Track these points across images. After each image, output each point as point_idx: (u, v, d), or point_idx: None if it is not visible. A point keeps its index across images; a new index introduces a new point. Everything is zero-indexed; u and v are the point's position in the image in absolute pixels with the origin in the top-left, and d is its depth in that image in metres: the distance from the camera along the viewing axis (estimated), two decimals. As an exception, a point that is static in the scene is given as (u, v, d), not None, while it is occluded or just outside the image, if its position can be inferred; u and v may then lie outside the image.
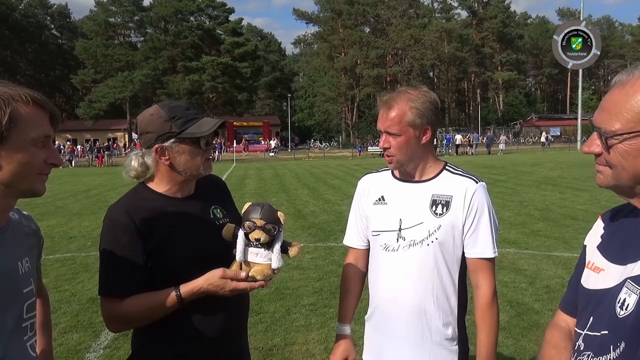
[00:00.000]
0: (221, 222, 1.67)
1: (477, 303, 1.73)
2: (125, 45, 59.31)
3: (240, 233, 1.52)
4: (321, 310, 4.68)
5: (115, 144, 50.81)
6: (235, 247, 1.53)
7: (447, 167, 1.79)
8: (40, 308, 1.51)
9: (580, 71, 42.19)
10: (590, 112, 61.09)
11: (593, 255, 1.15)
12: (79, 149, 42.38)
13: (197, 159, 1.60)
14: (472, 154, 38.77)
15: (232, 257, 1.55)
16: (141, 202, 1.61)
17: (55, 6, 67.15)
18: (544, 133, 46.24)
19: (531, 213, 9.61)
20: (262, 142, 50.45)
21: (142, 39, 61.23)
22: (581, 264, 1.19)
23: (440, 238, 1.69)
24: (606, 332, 1.02)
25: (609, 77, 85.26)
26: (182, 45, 55.87)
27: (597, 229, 1.20)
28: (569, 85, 75.91)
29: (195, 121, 1.59)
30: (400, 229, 1.73)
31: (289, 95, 65.72)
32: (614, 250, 1.10)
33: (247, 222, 1.50)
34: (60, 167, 31.79)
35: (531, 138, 54.24)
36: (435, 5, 74.11)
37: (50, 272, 6.14)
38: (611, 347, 1.00)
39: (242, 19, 62.25)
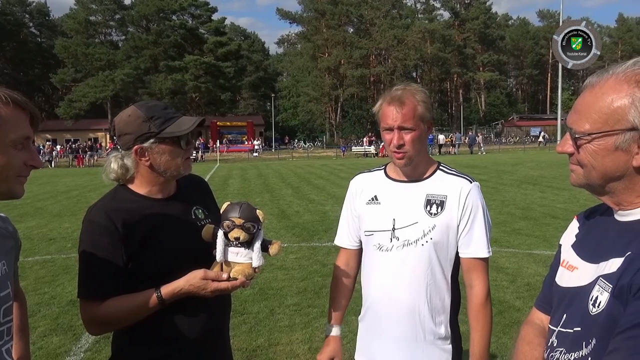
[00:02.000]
0: (203, 222, 1.65)
1: (470, 303, 1.73)
2: (106, 44, 58.57)
3: (220, 233, 1.51)
4: (305, 310, 4.68)
5: (99, 144, 50.10)
6: (215, 248, 1.51)
7: (441, 167, 1.79)
8: (17, 312, 1.48)
9: (560, 72, 42.82)
10: (570, 113, 62.13)
11: (567, 254, 1.17)
12: (59, 149, 41.70)
13: (178, 158, 1.58)
14: (454, 153, 39.12)
15: (214, 258, 1.53)
16: (121, 204, 1.59)
17: (34, 4, 65.92)
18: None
19: (512, 212, 9.74)
20: (246, 142, 50.21)
21: (124, 37, 60.52)
22: (556, 263, 1.21)
23: (434, 238, 1.69)
24: (579, 328, 1.03)
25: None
26: (164, 44, 55.31)
27: (572, 228, 1.23)
28: (549, 86, 77.11)
29: (174, 120, 1.57)
30: (394, 229, 1.72)
31: (273, 95, 65.52)
32: (587, 249, 1.12)
33: (226, 222, 1.49)
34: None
35: (512, 138, 54.91)
36: (418, 6, 74.65)
37: (29, 275, 6.03)
38: (583, 343, 1.01)
39: (225, 18, 61.95)
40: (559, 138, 40.45)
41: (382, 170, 1.85)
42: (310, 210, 10.73)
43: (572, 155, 1.07)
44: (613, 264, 1.00)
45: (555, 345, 1.10)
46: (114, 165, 1.62)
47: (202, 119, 1.64)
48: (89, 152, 37.98)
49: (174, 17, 58.04)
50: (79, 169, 32.45)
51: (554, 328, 1.12)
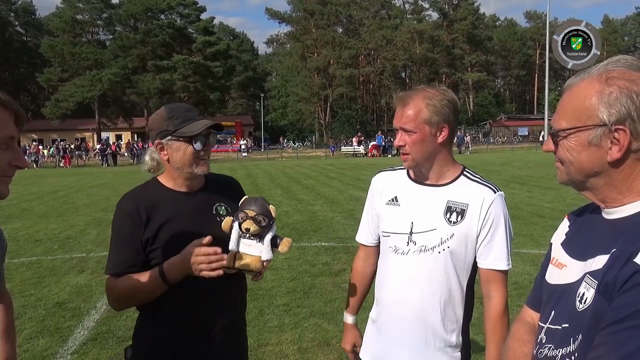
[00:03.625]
0: (222, 218, 1.73)
1: (488, 314, 1.70)
2: (94, 43, 57.97)
3: (235, 224, 1.61)
4: (294, 310, 4.68)
5: (88, 144, 49.58)
6: (230, 239, 1.61)
7: (465, 172, 1.74)
8: (3, 314, 1.48)
9: (547, 73, 43.32)
10: (556, 113, 62.77)
11: (557, 252, 1.20)
12: (50, 150, 41.20)
13: (190, 157, 1.70)
14: (443, 153, 39.32)
15: (228, 252, 1.62)
16: (147, 193, 1.77)
17: (19, 2, 65.11)
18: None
19: (500, 211, 9.81)
20: (235, 142, 50.02)
21: (111, 37, 59.94)
22: (546, 261, 1.23)
23: (452, 247, 1.65)
24: (567, 325, 1.06)
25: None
26: (152, 43, 54.90)
27: (563, 227, 1.25)
28: (536, 86, 77.85)
29: (191, 122, 1.70)
30: (411, 233, 1.69)
31: (262, 95, 65.36)
32: (576, 247, 1.14)
33: (241, 213, 1.60)
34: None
35: (500, 138, 55.33)
36: (407, 6, 74.92)
37: (15, 277, 5.96)
38: (571, 339, 1.03)
39: (213, 17, 61.66)
40: (545, 137, 40.77)
41: (405, 170, 1.81)
42: (299, 210, 10.72)
43: (555, 154, 1.12)
44: (599, 261, 1.02)
45: (544, 341, 1.12)
46: (147, 158, 1.80)
47: (216, 123, 1.74)
48: (76, 152, 37.55)
49: (162, 17, 57.62)
50: (66, 169, 32.09)
51: (543, 325, 1.14)
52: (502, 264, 1.68)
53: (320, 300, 4.93)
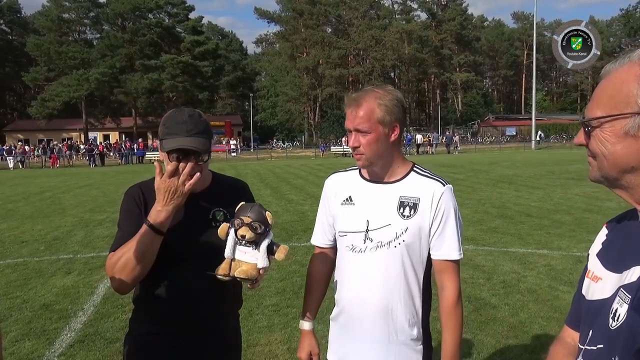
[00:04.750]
0: (218, 224, 1.71)
1: (442, 303, 1.74)
2: (81, 43, 57.45)
3: (231, 231, 1.59)
4: (284, 310, 4.67)
5: (75, 142, 49.04)
6: (226, 246, 1.60)
7: (415, 169, 1.79)
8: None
9: (534, 73, 43.70)
10: (543, 113, 63.54)
11: (593, 264, 1.09)
12: (29, 149, 40.65)
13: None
14: (432, 153, 39.55)
15: (220, 257, 1.61)
16: (151, 187, 1.72)
17: (4, 0, 64.27)
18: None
19: (488, 211, 9.89)
20: (224, 142, 49.82)
21: (98, 36, 59.43)
22: (583, 274, 1.13)
23: (407, 240, 1.70)
24: (602, 345, 0.96)
25: (561, 79, 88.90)
26: (140, 43, 54.52)
27: (601, 236, 1.13)
28: (523, 87, 78.58)
29: (174, 136, 1.65)
30: (367, 230, 1.73)
31: (251, 94, 65.19)
32: (612, 258, 1.04)
33: (237, 220, 1.57)
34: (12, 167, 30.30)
35: (488, 137, 55.77)
36: (396, 7, 75.21)
37: (0, 279, 5.88)
38: None
39: (202, 17, 61.44)
40: (533, 137, 41.29)
41: (357, 170, 1.86)
42: (289, 210, 10.71)
43: (588, 148, 1.01)
44: (634, 273, 0.93)
45: None
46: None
47: (190, 149, 1.64)
48: (67, 152, 37.10)
49: (150, 16, 57.24)
50: (53, 169, 31.74)
51: (581, 346, 1.04)
52: (454, 253, 1.72)
53: (309, 300, 4.92)
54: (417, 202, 1.71)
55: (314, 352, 1.90)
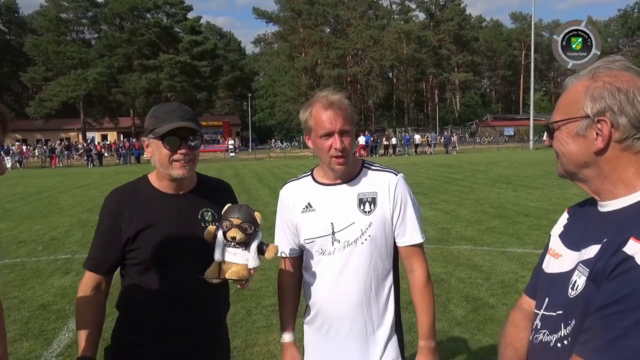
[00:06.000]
0: (207, 224, 1.71)
1: (413, 285, 1.80)
2: (79, 42, 57.32)
3: (219, 233, 1.58)
4: (282, 310, 4.67)
5: (73, 144, 48.92)
6: (215, 248, 1.59)
7: (365, 165, 1.84)
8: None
9: (532, 73, 43.76)
10: (541, 113, 63.61)
11: (554, 243, 1.27)
12: (26, 149, 40.51)
13: (164, 158, 1.67)
14: (430, 153, 39.56)
15: (210, 259, 1.59)
16: (134, 191, 1.76)
17: (2, 0, 64.12)
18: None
19: (486, 211, 9.90)
20: (222, 142, 49.73)
21: (97, 35, 59.31)
22: (544, 252, 1.30)
23: (372, 234, 1.74)
24: (560, 312, 1.12)
25: (559, 79, 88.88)
26: (138, 42, 54.40)
27: (562, 219, 1.31)
28: (521, 87, 78.63)
29: (167, 122, 1.65)
30: (333, 232, 1.76)
31: (250, 94, 65.13)
32: (572, 238, 1.20)
33: (225, 222, 1.56)
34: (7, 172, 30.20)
35: (487, 137, 55.81)
36: (394, 7, 75.21)
37: (-2, 279, 5.87)
38: (562, 324, 1.10)
39: (200, 17, 61.30)
40: (531, 137, 41.35)
41: (310, 176, 1.88)
42: (287, 210, 10.70)
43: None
44: (591, 250, 1.08)
45: (539, 327, 1.18)
46: (148, 156, 1.77)
47: (189, 127, 1.67)
48: (66, 152, 37.01)
49: (148, 16, 57.12)
50: (52, 169, 31.67)
51: (538, 311, 1.20)
52: (417, 237, 1.79)
53: (308, 300, 4.92)
54: (375, 196, 1.77)
55: None
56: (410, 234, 1.78)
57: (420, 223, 1.80)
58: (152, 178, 1.78)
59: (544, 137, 1.27)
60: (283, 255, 1.93)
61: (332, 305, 1.79)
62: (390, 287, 1.80)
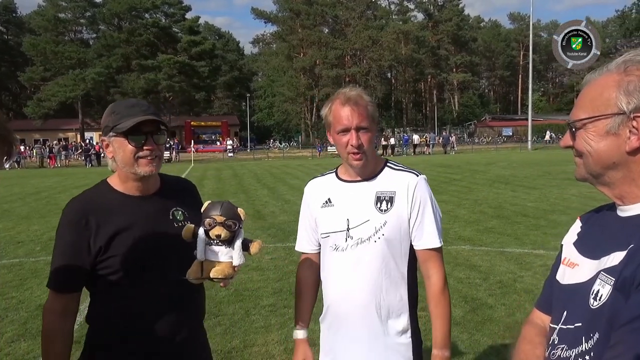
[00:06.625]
0: (180, 224, 1.66)
1: (429, 292, 1.76)
2: (77, 42, 57.24)
3: (201, 232, 1.51)
4: (281, 310, 4.67)
5: (71, 144, 48.85)
6: (196, 248, 1.51)
7: (388, 164, 1.82)
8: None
9: (531, 73, 43.84)
10: (540, 113, 63.72)
11: (569, 252, 1.19)
12: (24, 150, 40.45)
13: (129, 155, 1.58)
14: (429, 153, 39.58)
15: (189, 258, 1.53)
16: (97, 199, 1.64)
17: (0, 0, 63.99)
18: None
19: (485, 211, 9.90)
20: (221, 142, 49.69)
21: (95, 36, 59.23)
22: (557, 262, 1.22)
23: (386, 234, 1.71)
24: (580, 324, 1.04)
25: (557, 80, 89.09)
26: (136, 43, 54.32)
27: (575, 227, 1.24)
28: (520, 87, 78.73)
29: (131, 117, 1.56)
30: (348, 229, 1.75)
31: (248, 95, 65.14)
32: (588, 246, 1.13)
33: (207, 220, 1.49)
34: (7, 168, 30.18)
35: (485, 138, 55.87)
36: (392, 7, 75.24)
37: (-4, 279, 5.86)
38: (583, 338, 1.02)
39: (199, 17, 61.23)
40: (529, 137, 41.39)
41: (334, 173, 1.89)
42: (286, 210, 10.71)
43: (573, 148, 1.11)
44: (615, 258, 1.01)
45: (556, 342, 1.10)
46: (109, 157, 1.66)
47: (153, 119, 1.59)
48: (63, 152, 36.95)
49: (147, 16, 57.04)
50: (50, 169, 31.63)
51: (555, 326, 1.12)
52: (435, 241, 1.74)
53: (306, 300, 4.92)
54: (393, 195, 1.74)
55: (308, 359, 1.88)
56: (427, 238, 1.74)
57: (439, 227, 1.76)
58: (114, 182, 1.67)
59: (565, 135, 1.19)
60: (302, 251, 1.95)
61: (342, 303, 1.77)
62: (405, 290, 1.76)
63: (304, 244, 1.94)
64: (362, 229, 1.73)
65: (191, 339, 1.70)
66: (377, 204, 1.74)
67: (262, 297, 5.05)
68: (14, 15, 66.55)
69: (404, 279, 1.76)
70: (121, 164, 1.60)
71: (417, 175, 1.77)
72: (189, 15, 59.38)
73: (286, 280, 5.59)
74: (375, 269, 1.72)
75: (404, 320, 1.76)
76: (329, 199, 1.83)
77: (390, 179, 1.77)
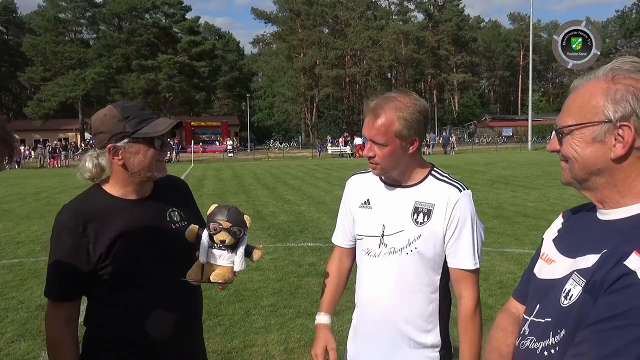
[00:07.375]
0: (178, 225, 1.66)
1: (459, 314, 1.70)
2: (77, 42, 57.22)
3: (205, 234, 1.51)
4: (281, 311, 4.67)
5: (70, 144, 48.85)
6: (199, 249, 1.52)
7: (433, 172, 1.75)
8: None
9: (531, 74, 43.88)
10: (540, 113, 63.75)
11: (548, 248, 1.22)
12: (24, 150, 40.48)
13: (151, 159, 1.58)
14: (429, 153, 39.57)
15: (189, 260, 1.53)
16: (92, 205, 1.61)
17: (0, 0, 64.00)
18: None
19: (485, 211, 9.90)
20: (222, 142, 49.70)
21: (95, 36, 59.23)
22: (537, 256, 1.26)
23: (419, 247, 1.66)
24: (549, 319, 1.08)
25: (557, 80, 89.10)
26: (136, 43, 54.32)
27: (557, 223, 1.27)
28: (520, 88, 78.75)
29: (150, 121, 1.57)
30: (383, 235, 1.71)
31: (248, 95, 65.13)
32: (567, 244, 1.16)
33: (213, 224, 1.49)
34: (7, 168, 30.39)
35: (485, 138, 55.88)
36: (393, 7, 75.27)
37: (-4, 279, 5.86)
38: (551, 333, 1.05)
39: (199, 17, 61.20)
40: (529, 138, 41.42)
41: None
42: (285, 210, 10.70)
43: (560, 153, 1.13)
44: (589, 260, 1.03)
45: (526, 333, 1.14)
46: (88, 164, 1.61)
47: (179, 121, 1.65)
48: (63, 152, 36.94)
49: (147, 16, 57.04)
50: (50, 169, 31.63)
51: (527, 317, 1.16)
52: (469, 263, 1.66)
53: (306, 300, 4.92)
54: (432, 208, 1.66)
55: (329, 347, 1.81)
56: (461, 257, 1.65)
57: (477, 248, 1.67)
58: (109, 187, 1.63)
59: (552, 140, 1.17)
60: (337, 244, 1.93)
61: (368, 309, 1.76)
62: (436, 304, 1.70)
63: (339, 237, 1.93)
64: (395, 238, 1.68)
65: (189, 341, 1.70)
66: (413, 215, 1.67)
67: (262, 297, 5.05)
68: (14, 15, 66.54)
69: (436, 293, 1.71)
70: (137, 169, 1.57)
71: (461, 191, 1.67)
72: (189, 16, 59.39)
73: (286, 280, 5.59)
74: (405, 281, 1.68)
75: (434, 335, 1.71)
76: (367, 200, 1.79)
77: (432, 189, 1.69)
